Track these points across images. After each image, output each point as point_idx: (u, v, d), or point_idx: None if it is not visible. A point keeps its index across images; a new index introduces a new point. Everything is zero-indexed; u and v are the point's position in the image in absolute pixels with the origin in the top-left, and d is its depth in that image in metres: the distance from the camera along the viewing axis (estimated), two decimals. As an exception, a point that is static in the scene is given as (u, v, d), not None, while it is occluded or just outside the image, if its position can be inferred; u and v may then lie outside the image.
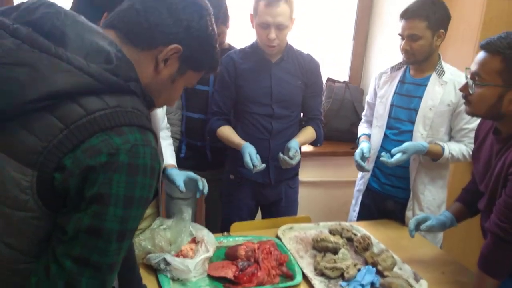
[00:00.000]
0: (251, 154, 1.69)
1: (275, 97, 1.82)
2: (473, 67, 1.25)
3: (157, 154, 0.74)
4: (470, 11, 2.20)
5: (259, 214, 2.12)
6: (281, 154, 1.75)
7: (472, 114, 1.34)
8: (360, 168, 1.88)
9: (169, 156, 1.72)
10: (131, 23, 0.79)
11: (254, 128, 1.85)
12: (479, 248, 1.65)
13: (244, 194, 1.94)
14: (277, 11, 1.65)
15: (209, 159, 2.06)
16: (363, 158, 1.85)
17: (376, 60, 2.85)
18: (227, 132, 1.84)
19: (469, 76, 1.27)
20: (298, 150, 1.76)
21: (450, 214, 1.55)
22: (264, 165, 1.71)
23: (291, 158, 1.72)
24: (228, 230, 1.74)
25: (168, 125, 1.80)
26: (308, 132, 1.91)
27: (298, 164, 1.82)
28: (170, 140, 1.80)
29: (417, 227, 1.56)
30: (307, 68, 1.87)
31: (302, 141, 1.86)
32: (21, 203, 0.68)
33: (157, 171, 0.74)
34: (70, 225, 0.68)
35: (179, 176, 1.60)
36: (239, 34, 2.28)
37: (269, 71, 1.82)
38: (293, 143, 1.77)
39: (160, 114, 1.56)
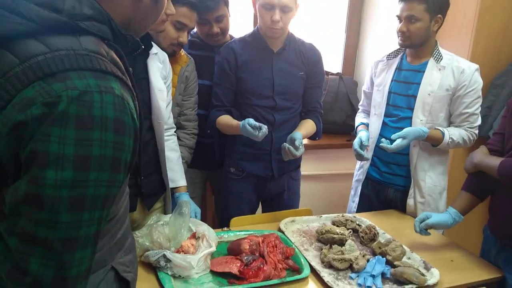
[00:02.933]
0: (250, 123, 1.58)
1: (277, 89, 1.75)
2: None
3: (126, 104, 0.61)
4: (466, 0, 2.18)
5: (259, 209, 2.05)
6: (285, 144, 1.66)
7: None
8: (359, 157, 1.83)
9: (179, 176, 1.64)
10: None
11: (256, 121, 1.77)
12: (478, 231, 1.63)
13: (246, 188, 1.86)
14: None
15: (216, 157, 1.97)
16: (362, 146, 1.82)
17: (369, 51, 2.82)
18: (225, 119, 1.76)
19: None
20: (302, 141, 1.68)
21: (455, 210, 1.52)
22: (266, 127, 1.58)
23: (296, 149, 1.63)
24: (227, 225, 1.67)
25: (173, 126, 1.67)
26: (309, 125, 1.84)
27: (300, 156, 1.74)
28: (179, 153, 1.67)
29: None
30: (308, 57, 1.80)
31: (304, 134, 1.77)
32: None
33: (129, 126, 0.61)
34: (8, 196, 0.58)
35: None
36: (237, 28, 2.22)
37: (271, 61, 1.75)
38: (297, 134, 1.68)
39: (162, 106, 1.47)
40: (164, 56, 1.54)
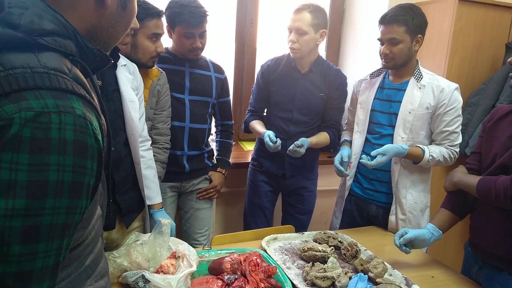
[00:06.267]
0: (270, 136, 1.91)
1: (297, 104, 2.04)
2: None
3: (88, 124, 0.57)
4: (441, 20, 2.26)
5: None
6: (292, 145, 1.90)
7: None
8: (340, 173, 1.85)
9: (155, 193, 1.64)
10: None
11: (274, 128, 2.05)
12: (457, 248, 1.61)
13: (264, 180, 2.17)
14: (297, 17, 1.90)
15: (186, 169, 1.98)
16: (342, 163, 1.84)
17: (348, 70, 2.87)
18: (255, 124, 2.11)
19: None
20: (305, 144, 1.90)
21: (432, 225, 1.53)
22: (280, 143, 1.90)
23: (298, 147, 1.87)
24: (248, 214, 2.09)
25: (149, 138, 1.66)
26: (322, 136, 2.07)
27: (312, 160, 2.16)
28: (155, 170, 1.66)
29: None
30: (331, 82, 2.05)
31: (314, 142, 1.99)
32: None
33: (91, 148, 0.57)
34: None
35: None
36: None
37: (297, 81, 2.03)
38: (303, 139, 1.92)
39: (135, 117, 1.45)
40: (134, 67, 1.54)
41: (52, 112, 0.53)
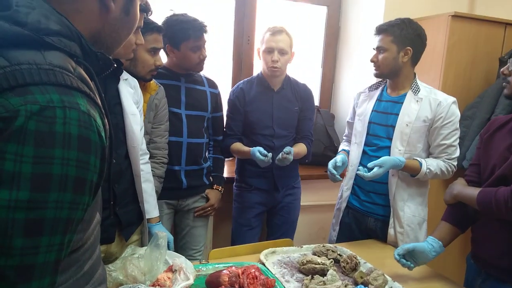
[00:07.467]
0: (260, 151, 1.95)
1: (276, 121, 2.12)
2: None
3: (92, 121, 0.57)
4: (435, 35, 2.30)
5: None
6: (280, 154, 1.97)
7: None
8: (332, 177, 1.86)
9: (153, 207, 1.64)
10: None
11: (258, 146, 2.04)
12: (458, 260, 1.57)
13: (254, 199, 2.18)
14: (279, 38, 2.01)
15: (184, 185, 1.96)
16: (336, 168, 1.86)
17: (344, 85, 2.91)
18: (238, 146, 2.13)
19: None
20: (291, 151, 1.96)
21: (433, 238, 1.50)
22: (271, 154, 1.94)
23: (287, 154, 1.95)
24: (239, 235, 2.09)
25: (147, 152, 1.66)
26: (300, 147, 2.16)
27: (295, 169, 2.22)
28: (152, 184, 1.66)
29: (404, 256, 1.51)
30: (302, 95, 2.19)
31: (296, 151, 2.06)
32: None
33: (95, 144, 0.57)
34: None
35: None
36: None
37: (271, 98, 2.13)
38: (288, 147, 2.00)
39: (136, 129, 1.45)
40: (135, 82, 1.57)
41: (57, 107, 0.53)
